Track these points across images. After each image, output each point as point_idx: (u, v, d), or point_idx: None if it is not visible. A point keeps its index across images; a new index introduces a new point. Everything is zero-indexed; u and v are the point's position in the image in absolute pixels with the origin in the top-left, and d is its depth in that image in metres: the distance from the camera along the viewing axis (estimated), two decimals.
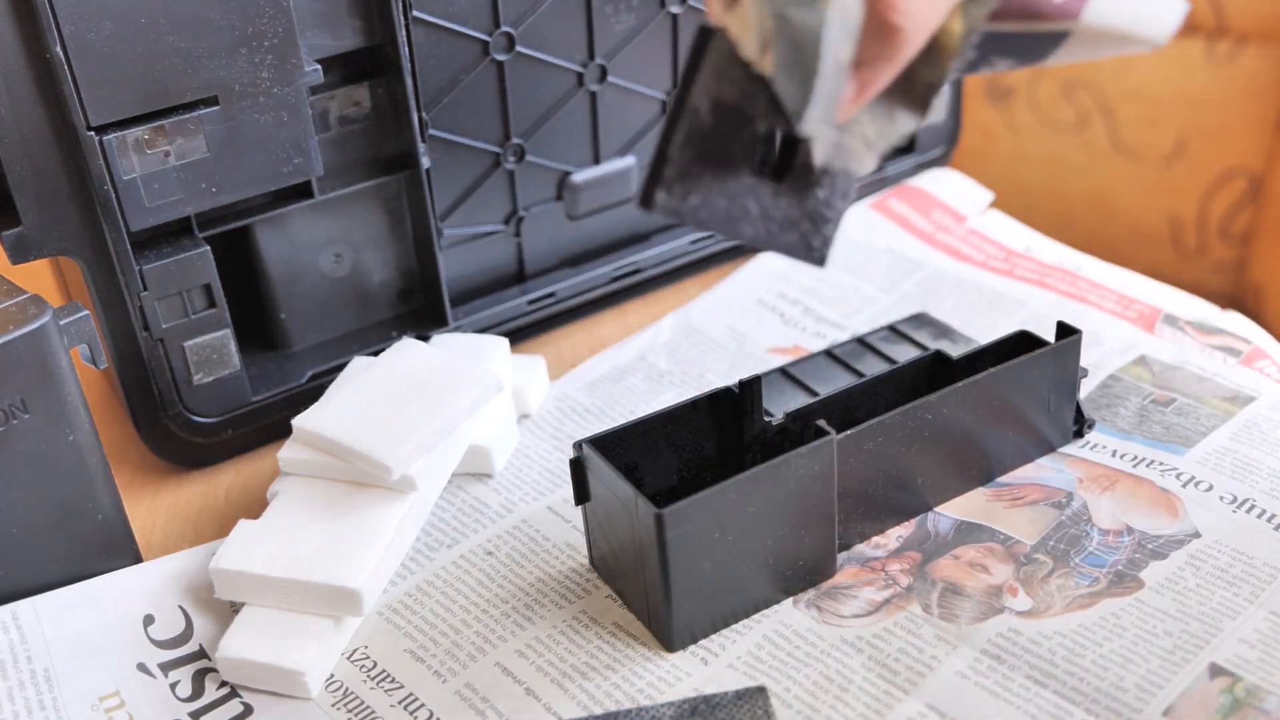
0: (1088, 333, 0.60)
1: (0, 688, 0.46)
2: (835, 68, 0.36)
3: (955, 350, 0.54)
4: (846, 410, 0.51)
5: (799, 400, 0.55)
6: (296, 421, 0.51)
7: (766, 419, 0.50)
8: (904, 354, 0.60)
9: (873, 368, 0.59)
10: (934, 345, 0.59)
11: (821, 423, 0.46)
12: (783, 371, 0.58)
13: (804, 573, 0.48)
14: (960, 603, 0.47)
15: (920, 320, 0.64)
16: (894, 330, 0.62)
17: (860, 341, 0.61)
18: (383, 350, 0.56)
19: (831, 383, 0.57)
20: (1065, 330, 0.52)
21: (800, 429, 0.49)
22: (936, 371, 0.53)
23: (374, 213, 0.61)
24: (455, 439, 0.53)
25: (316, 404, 0.52)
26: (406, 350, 0.55)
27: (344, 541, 0.48)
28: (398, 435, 0.50)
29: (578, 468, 0.47)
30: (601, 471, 0.46)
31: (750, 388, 0.50)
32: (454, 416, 0.51)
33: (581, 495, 0.48)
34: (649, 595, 0.46)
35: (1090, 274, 0.67)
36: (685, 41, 0.65)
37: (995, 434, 0.52)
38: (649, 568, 0.45)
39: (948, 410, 0.49)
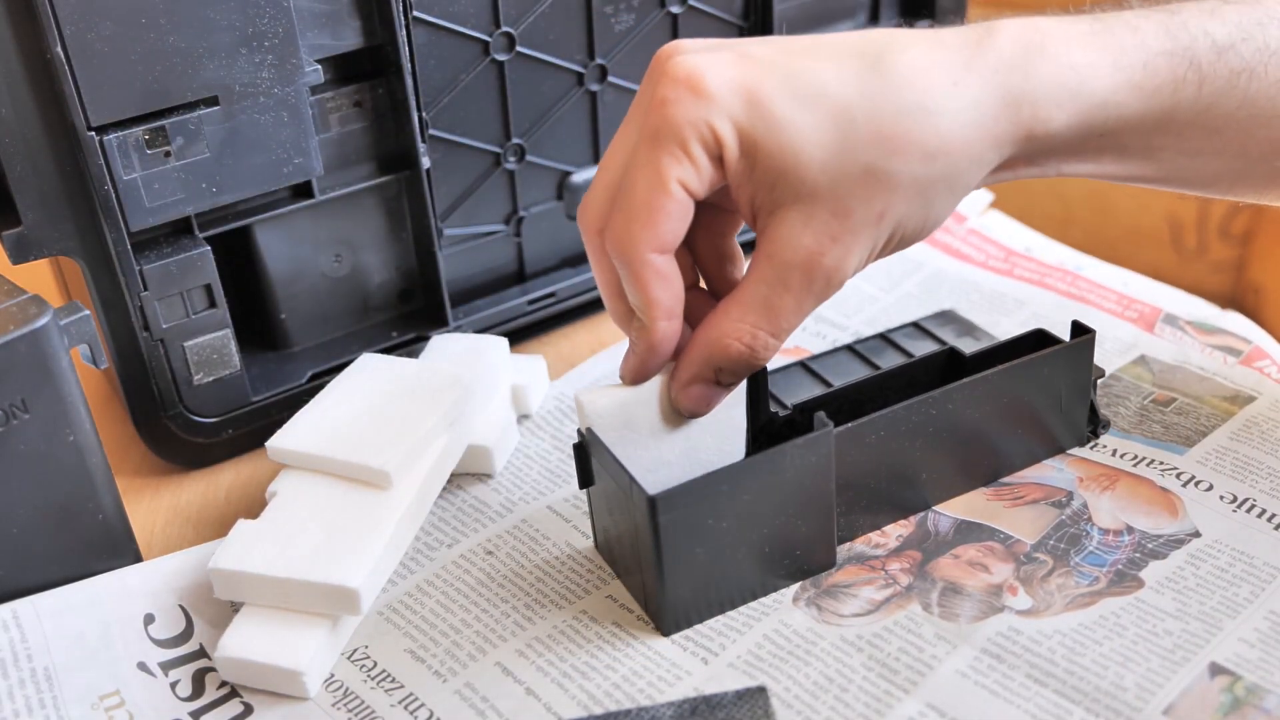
0: None
1: (0, 686, 0.46)
2: None
3: (977, 348, 0.54)
4: (857, 404, 0.51)
5: (817, 394, 0.55)
6: (270, 444, 0.51)
7: (774, 411, 0.50)
8: (926, 350, 0.60)
9: (892, 363, 0.59)
10: (956, 342, 0.59)
11: (820, 414, 0.46)
12: (803, 365, 0.59)
13: (801, 563, 0.48)
14: (960, 602, 0.47)
15: (946, 317, 0.64)
16: (918, 327, 0.63)
17: (883, 337, 0.62)
18: (386, 350, 0.56)
19: (850, 377, 0.57)
20: (1079, 330, 0.52)
21: (807, 421, 0.49)
22: (950, 368, 0.53)
23: (374, 213, 0.61)
24: (454, 439, 0.53)
25: (288, 424, 0.52)
26: (368, 365, 0.55)
27: (342, 541, 0.48)
28: (378, 439, 0.50)
29: (581, 452, 0.48)
30: (603, 456, 0.46)
31: (756, 380, 0.50)
32: (425, 413, 0.52)
33: (585, 480, 0.48)
34: (645, 578, 0.46)
35: (1090, 274, 0.67)
36: None
37: (1003, 432, 0.51)
38: (644, 551, 0.45)
39: (953, 406, 0.49)
